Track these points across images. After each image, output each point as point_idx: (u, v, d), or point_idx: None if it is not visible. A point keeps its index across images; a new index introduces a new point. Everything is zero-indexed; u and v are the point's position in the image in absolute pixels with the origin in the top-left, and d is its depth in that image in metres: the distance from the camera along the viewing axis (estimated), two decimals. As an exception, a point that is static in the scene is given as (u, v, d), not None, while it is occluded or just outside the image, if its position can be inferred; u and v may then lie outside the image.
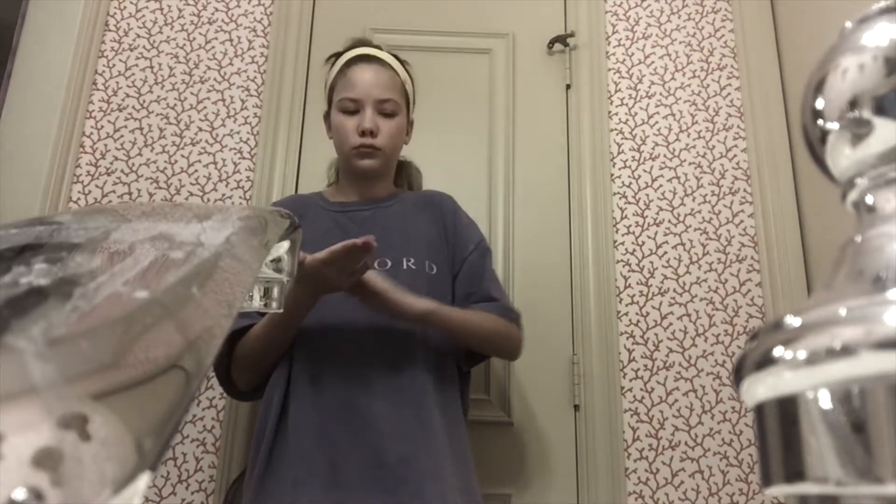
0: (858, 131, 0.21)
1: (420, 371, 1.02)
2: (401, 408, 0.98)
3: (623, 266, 1.51)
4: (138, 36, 1.64)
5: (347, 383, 0.99)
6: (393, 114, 1.12)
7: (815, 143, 0.24)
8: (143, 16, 1.65)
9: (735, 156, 1.59)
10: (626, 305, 1.48)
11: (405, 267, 1.07)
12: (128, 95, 1.59)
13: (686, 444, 1.40)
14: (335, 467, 0.94)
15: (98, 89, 1.60)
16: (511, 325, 1.11)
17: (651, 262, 1.51)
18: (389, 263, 1.07)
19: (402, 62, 1.19)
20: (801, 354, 0.18)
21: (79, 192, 1.52)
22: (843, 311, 0.17)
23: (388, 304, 0.96)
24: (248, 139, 1.57)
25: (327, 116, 1.19)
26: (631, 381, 1.44)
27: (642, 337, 1.47)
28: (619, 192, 1.56)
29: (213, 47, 1.64)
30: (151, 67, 1.62)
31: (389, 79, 1.14)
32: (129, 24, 1.65)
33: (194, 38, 1.64)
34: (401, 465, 0.94)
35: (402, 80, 1.17)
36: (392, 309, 0.97)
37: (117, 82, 1.60)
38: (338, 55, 1.20)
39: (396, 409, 0.98)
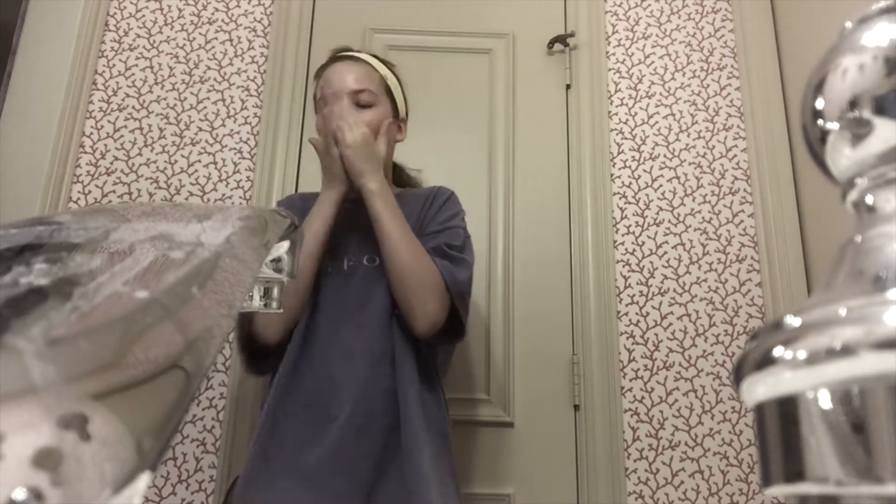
0: (858, 131, 0.21)
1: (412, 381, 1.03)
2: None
3: (623, 266, 1.51)
4: (138, 36, 1.64)
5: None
6: (369, 104, 1.12)
7: (815, 143, 0.23)
8: (143, 16, 1.65)
9: (735, 156, 1.59)
10: (626, 305, 1.48)
11: None
12: (128, 95, 1.59)
13: (686, 444, 1.40)
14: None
15: (98, 89, 1.59)
16: (442, 287, 1.01)
17: (651, 262, 1.51)
18: (377, 260, 1.06)
19: (386, 62, 1.19)
20: (801, 354, 0.18)
21: (79, 192, 1.52)
22: (843, 311, 0.17)
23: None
24: (248, 139, 1.57)
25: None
26: (631, 381, 1.44)
27: (642, 337, 1.46)
28: (619, 192, 1.56)
29: (213, 47, 1.64)
30: (151, 67, 1.62)
31: (364, 71, 1.15)
32: (129, 24, 1.65)
33: (194, 38, 1.64)
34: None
35: (381, 74, 1.16)
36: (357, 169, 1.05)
37: (117, 82, 1.60)
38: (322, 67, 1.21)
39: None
